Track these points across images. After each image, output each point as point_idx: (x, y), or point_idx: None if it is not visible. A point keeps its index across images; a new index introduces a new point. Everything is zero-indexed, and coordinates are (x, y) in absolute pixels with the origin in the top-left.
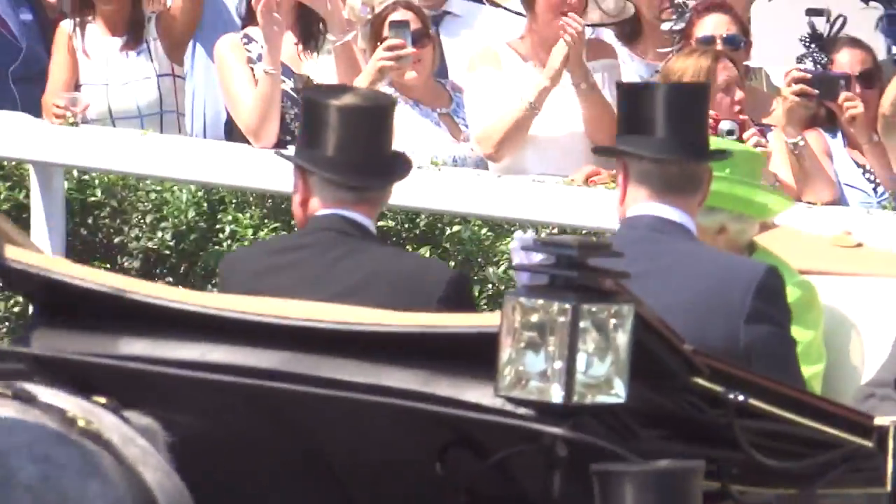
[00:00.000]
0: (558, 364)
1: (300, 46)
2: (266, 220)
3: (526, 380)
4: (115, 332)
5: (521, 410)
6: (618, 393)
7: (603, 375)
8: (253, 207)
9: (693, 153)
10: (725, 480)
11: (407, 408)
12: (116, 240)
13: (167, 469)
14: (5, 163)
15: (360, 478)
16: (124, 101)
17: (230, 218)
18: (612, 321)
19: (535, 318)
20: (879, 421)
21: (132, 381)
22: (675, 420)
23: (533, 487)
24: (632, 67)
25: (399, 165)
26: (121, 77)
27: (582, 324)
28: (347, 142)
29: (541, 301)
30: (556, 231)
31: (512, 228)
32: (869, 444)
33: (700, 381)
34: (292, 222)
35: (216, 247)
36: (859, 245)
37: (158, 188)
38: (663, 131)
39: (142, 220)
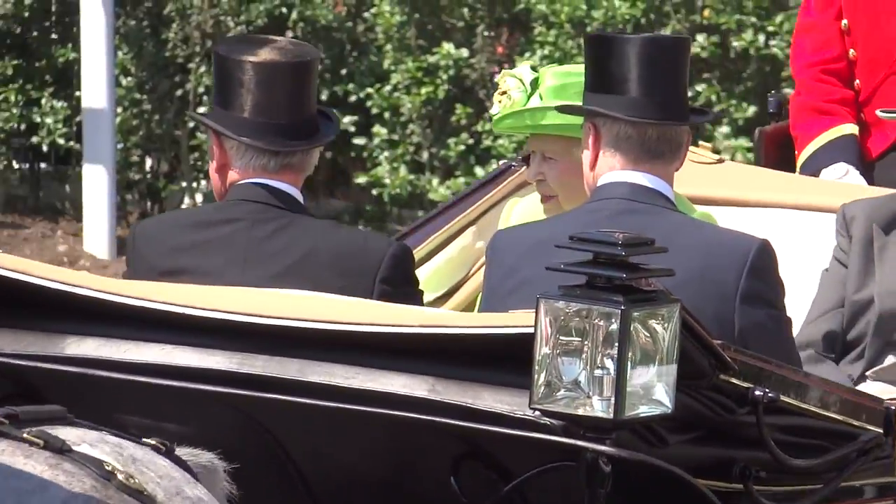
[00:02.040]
0: (602, 373)
1: None
2: None
3: (564, 391)
4: (61, 329)
5: (559, 424)
6: (664, 403)
7: (650, 384)
8: None
9: (673, 114)
10: (749, 482)
11: (413, 419)
12: None
13: None
14: None
15: (353, 496)
16: None
17: None
18: (658, 325)
19: (575, 322)
20: (887, 404)
21: (84, 386)
22: (701, 421)
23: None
24: None
25: (325, 125)
26: None
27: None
28: (267, 101)
29: (582, 304)
30: None
31: None
32: (879, 430)
33: (729, 378)
34: None
35: None
36: (720, 161)
37: None
38: (639, 90)
39: None
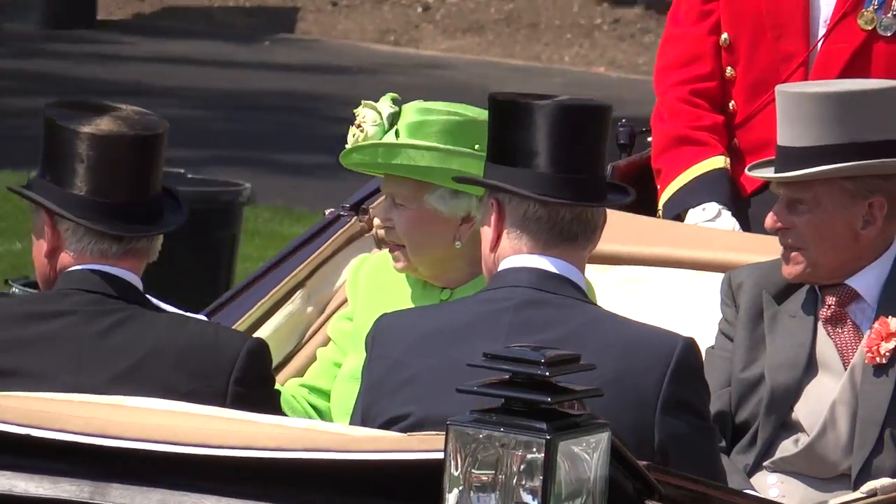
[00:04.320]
0: None
1: None
2: None
3: None
4: None
5: None
6: None
7: None
8: None
9: (591, 194)
10: None
11: None
12: None
13: None
14: None
15: None
16: None
17: None
18: (585, 453)
19: (490, 452)
20: None
21: None
22: None
23: None
24: None
25: (172, 207)
26: None
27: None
28: (108, 180)
29: (500, 433)
30: None
31: None
32: None
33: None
34: None
35: None
36: None
37: None
38: (549, 163)
39: None
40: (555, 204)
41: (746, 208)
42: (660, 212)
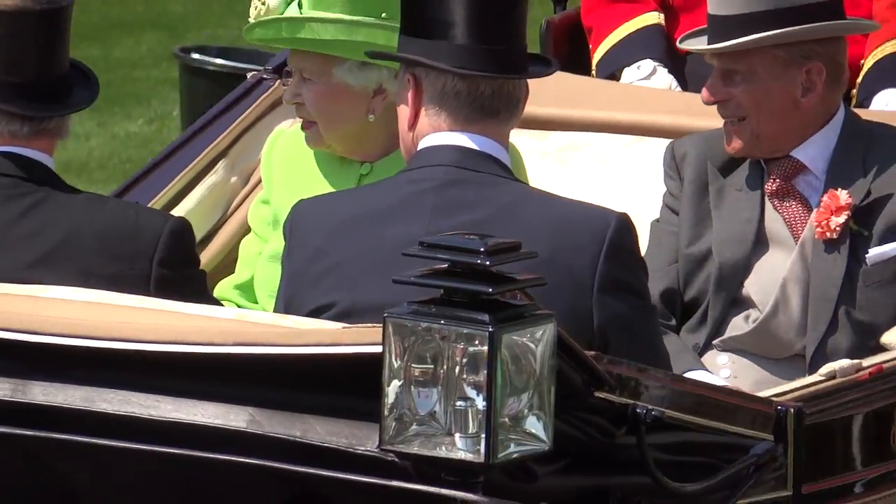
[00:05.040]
0: (464, 406)
1: None
2: None
3: (417, 425)
4: None
5: (414, 468)
6: (540, 437)
7: (521, 416)
8: None
9: (511, 65)
10: None
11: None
12: None
13: None
14: None
15: None
16: None
17: None
18: (531, 344)
19: (430, 345)
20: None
21: None
22: (574, 446)
23: None
24: None
25: (84, 82)
26: None
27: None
28: (15, 58)
29: (439, 324)
30: None
31: None
32: (771, 437)
33: (605, 395)
34: None
35: None
36: None
37: None
38: (467, 35)
39: None
40: (474, 77)
41: (683, 65)
42: (593, 72)
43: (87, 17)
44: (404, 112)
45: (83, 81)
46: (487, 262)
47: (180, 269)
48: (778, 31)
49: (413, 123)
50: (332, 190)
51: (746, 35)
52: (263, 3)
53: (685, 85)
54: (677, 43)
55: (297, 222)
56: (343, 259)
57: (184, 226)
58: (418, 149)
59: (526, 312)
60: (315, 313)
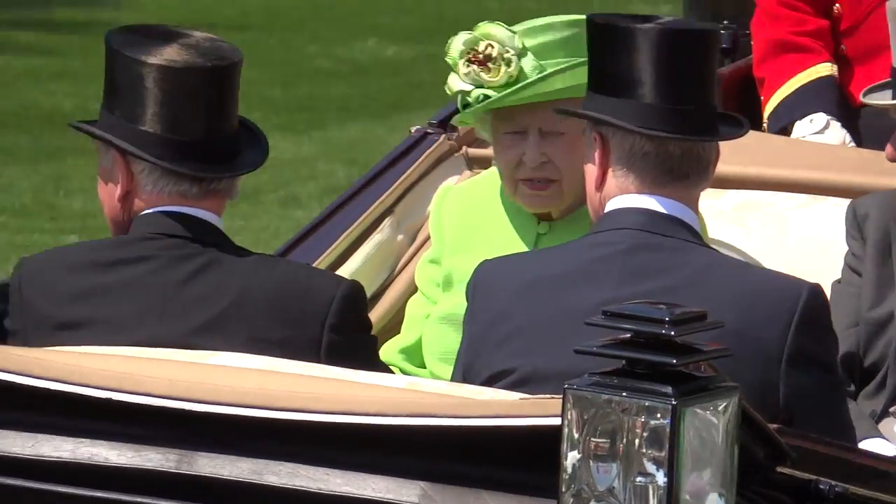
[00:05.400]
0: (644, 482)
1: None
2: None
3: (596, 502)
4: None
5: None
6: None
7: (702, 493)
8: None
9: (701, 126)
10: None
11: None
12: None
13: None
14: None
15: None
16: None
17: None
18: (713, 418)
19: (610, 418)
20: None
21: None
22: None
23: None
24: None
25: (253, 141)
26: None
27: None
28: (182, 115)
29: (620, 396)
30: None
31: None
32: None
33: (788, 470)
34: None
35: None
36: None
37: None
38: (656, 94)
39: None
40: (662, 138)
41: (857, 119)
42: (765, 125)
43: None
44: (591, 171)
45: (251, 139)
46: (672, 333)
47: (352, 335)
48: None
49: (601, 184)
50: (509, 250)
51: None
52: (494, 65)
53: (859, 139)
54: (860, 97)
55: (481, 284)
56: (526, 323)
57: (357, 289)
58: (605, 210)
59: (710, 385)
60: (495, 379)
